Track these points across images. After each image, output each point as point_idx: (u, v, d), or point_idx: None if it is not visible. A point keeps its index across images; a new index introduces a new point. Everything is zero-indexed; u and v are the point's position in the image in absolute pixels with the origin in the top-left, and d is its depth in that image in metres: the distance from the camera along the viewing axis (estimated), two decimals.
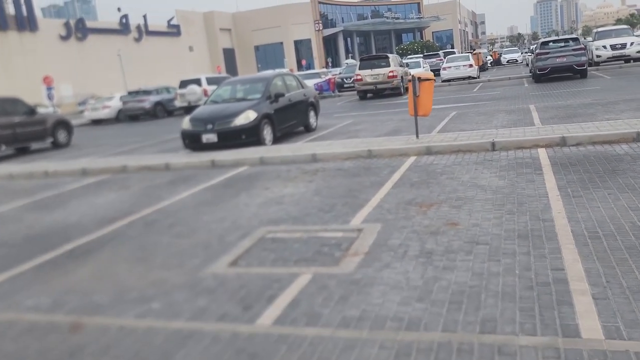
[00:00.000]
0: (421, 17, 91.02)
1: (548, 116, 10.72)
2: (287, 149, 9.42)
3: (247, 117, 10.28)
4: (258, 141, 10.38)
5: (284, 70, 27.39)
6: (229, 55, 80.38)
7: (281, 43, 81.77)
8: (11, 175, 10.59)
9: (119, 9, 60.05)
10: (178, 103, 26.18)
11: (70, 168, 10.19)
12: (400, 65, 24.57)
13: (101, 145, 15.89)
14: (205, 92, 25.49)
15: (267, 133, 10.73)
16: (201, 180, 8.07)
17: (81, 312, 3.67)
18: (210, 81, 26.37)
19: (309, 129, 12.94)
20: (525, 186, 5.64)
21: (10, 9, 47.09)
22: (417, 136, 9.01)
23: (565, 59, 19.79)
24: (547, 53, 20.24)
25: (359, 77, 22.96)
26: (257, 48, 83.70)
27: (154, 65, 61.60)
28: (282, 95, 11.37)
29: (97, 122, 27.98)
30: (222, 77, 27.93)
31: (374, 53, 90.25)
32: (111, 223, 6.03)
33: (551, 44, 21.21)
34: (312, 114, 13.14)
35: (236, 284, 3.86)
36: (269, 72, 13.10)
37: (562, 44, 20.71)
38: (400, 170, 7.13)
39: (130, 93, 27.75)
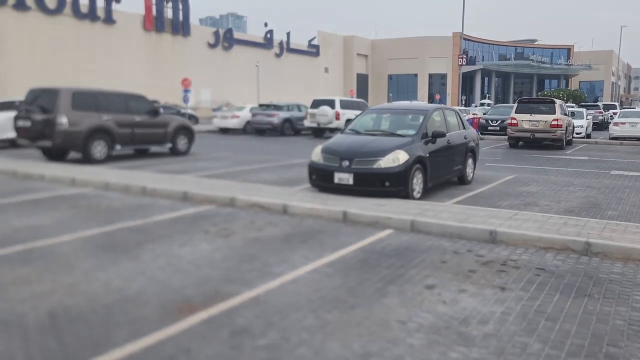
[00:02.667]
0: (570, 65, 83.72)
1: None
2: (447, 213, 6.72)
3: (397, 158, 7.76)
4: (405, 192, 7.80)
5: (432, 104, 24.68)
6: (362, 81, 79.92)
7: (415, 75, 79.90)
8: (107, 185, 9.05)
9: (265, 24, 61.72)
10: (307, 123, 24.58)
11: (171, 189, 8.36)
12: (565, 114, 20.76)
13: (219, 158, 14.35)
14: (337, 115, 23.64)
15: (417, 183, 8.12)
16: (327, 245, 5.66)
17: None
18: (344, 104, 24.48)
19: (463, 181, 10.12)
20: None
21: (168, 13, 49.77)
22: None
23: None
24: None
25: (514, 122, 19.57)
26: (390, 77, 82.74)
27: (288, 82, 62.26)
28: (442, 135, 8.71)
29: (224, 131, 27.35)
30: (357, 102, 25.98)
31: (512, 96, 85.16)
32: (180, 316, 3.75)
33: None
34: (470, 162, 10.31)
35: None
36: (425, 104, 10.48)
37: None
38: None
39: (261, 106, 26.75)
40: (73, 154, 13.47)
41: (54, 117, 12.15)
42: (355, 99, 25.89)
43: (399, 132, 8.71)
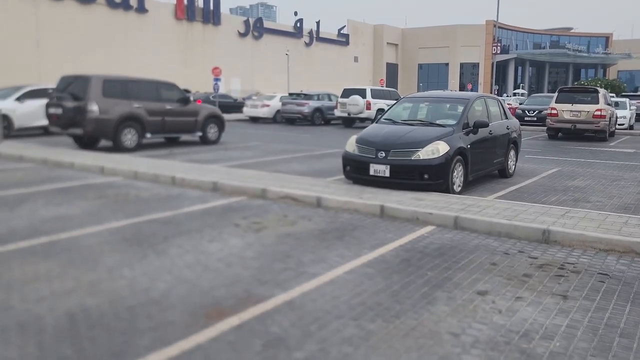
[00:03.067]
0: (608, 53, 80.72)
1: None
2: (493, 210, 6.25)
3: (436, 150, 7.30)
4: (445, 186, 7.35)
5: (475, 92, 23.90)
6: (392, 71, 78.90)
7: (446, 64, 78.48)
8: (136, 175, 8.85)
9: (295, 13, 61.36)
10: (337, 112, 24.16)
11: (200, 179, 8.09)
12: (609, 104, 19.79)
13: (250, 147, 14.09)
14: (368, 105, 23.14)
15: (458, 176, 7.65)
16: (365, 242, 5.28)
17: None
18: (375, 94, 23.95)
19: (504, 174, 9.58)
20: None
21: (199, 2, 49.76)
22: None
23: None
24: None
25: (553, 112, 18.73)
26: (420, 66, 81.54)
27: (317, 71, 61.80)
28: (485, 125, 8.19)
29: (254, 120, 27.16)
30: (388, 91, 25.41)
31: (546, 86, 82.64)
32: (208, 322, 3.43)
33: None
34: (512, 154, 9.75)
35: None
36: (466, 93, 9.98)
37: None
38: None
39: (291, 95, 26.42)
40: (104, 142, 13.40)
41: (84, 104, 12.05)
42: (386, 88, 25.32)
43: (438, 121, 8.22)
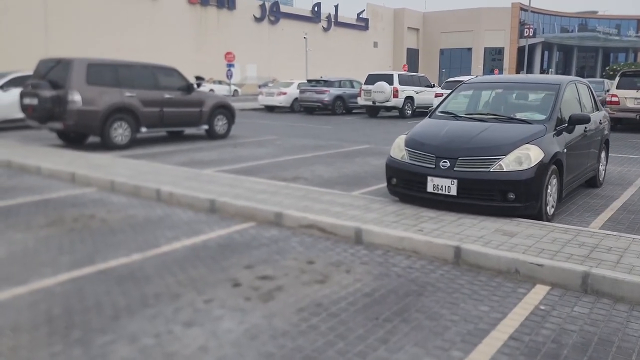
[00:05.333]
0: None
1: None
2: (635, 255, 4.03)
3: (526, 157, 5.07)
4: (536, 209, 5.10)
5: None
6: (412, 56, 76.28)
7: (470, 49, 75.53)
8: (112, 185, 6.77)
9: None
10: (361, 100, 21.87)
11: (194, 194, 5.96)
12: None
13: (264, 143, 11.95)
14: (395, 92, 20.82)
15: (552, 193, 5.42)
16: (447, 325, 3.10)
17: None
18: (402, 80, 21.59)
19: (594, 183, 7.27)
20: None
21: None
22: None
23: None
24: None
25: (614, 99, 16.22)
26: (442, 51, 78.92)
27: (335, 57, 59.45)
28: (585, 120, 5.91)
29: (270, 109, 25.00)
30: (417, 77, 23.01)
31: (574, 71, 78.76)
32: None
33: None
34: (603, 156, 7.46)
35: None
36: (553, 76, 7.65)
37: None
38: None
39: (310, 81, 24.13)
40: (94, 137, 11.38)
41: (64, 93, 10.01)
42: (414, 73, 22.96)
43: (519, 115, 5.97)
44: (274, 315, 3.24)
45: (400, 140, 5.90)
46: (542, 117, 5.76)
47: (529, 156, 5.08)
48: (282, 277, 3.88)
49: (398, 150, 5.80)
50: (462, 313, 3.30)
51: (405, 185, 5.60)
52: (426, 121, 6.37)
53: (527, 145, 5.19)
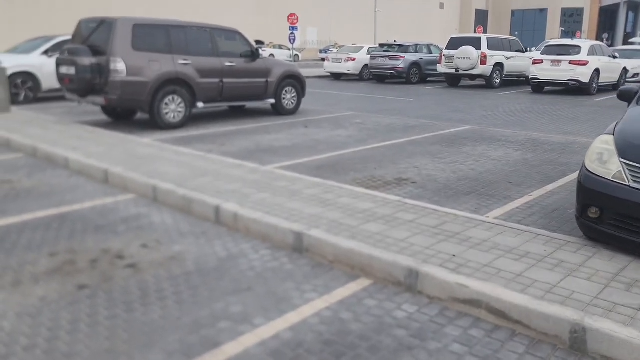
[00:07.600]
0: None
1: None
2: None
3: None
4: None
5: None
6: (481, 18, 71.39)
7: (544, 10, 69.74)
8: (155, 193, 4.88)
9: None
10: (441, 68, 19.19)
11: (272, 223, 3.95)
12: None
13: (341, 122, 9.77)
14: (483, 59, 18.02)
15: None
16: None
17: None
18: (492, 44, 18.69)
19: None
20: None
21: None
22: None
23: None
24: None
25: None
26: (513, 13, 73.60)
27: (399, 20, 55.82)
28: None
29: (336, 77, 22.72)
30: (508, 40, 19.92)
31: None
32: None
33: None
34: None
35: None
36: None
37: None
38: None
39: (382, 46, 21.55)
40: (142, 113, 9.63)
41: (106, 61, 8.21)
42: (504, 36, 19.91)
43: None
44: None
45: (605, 144, 3.60)
46: None
47: None
48: None
49: (602, 161, 3.51)
50: None
51: (625, 223, 3.33)
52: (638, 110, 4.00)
53: None
